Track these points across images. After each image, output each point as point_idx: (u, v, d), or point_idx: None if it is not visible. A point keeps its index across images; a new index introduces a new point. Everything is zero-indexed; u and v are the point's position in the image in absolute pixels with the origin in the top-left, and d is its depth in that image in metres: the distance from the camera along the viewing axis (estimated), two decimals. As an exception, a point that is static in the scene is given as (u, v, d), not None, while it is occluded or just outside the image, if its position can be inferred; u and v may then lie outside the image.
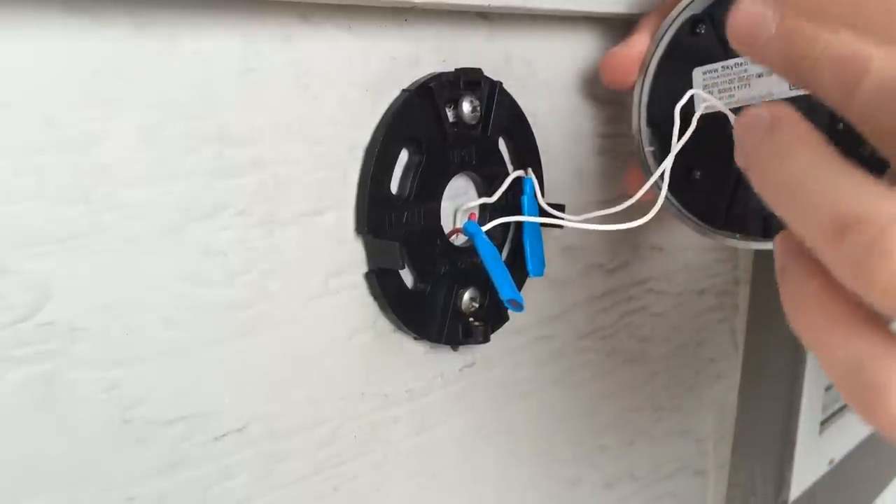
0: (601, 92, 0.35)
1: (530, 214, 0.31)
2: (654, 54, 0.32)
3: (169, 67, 0.22)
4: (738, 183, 0.30)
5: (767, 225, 0.29)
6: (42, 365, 0.20)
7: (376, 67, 0.27)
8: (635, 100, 0.33)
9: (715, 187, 0.31)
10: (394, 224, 0.27)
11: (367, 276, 0.28)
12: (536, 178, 0.32)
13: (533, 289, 0.34)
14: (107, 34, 0.20)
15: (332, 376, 0.27)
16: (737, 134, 0.24)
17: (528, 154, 0.32)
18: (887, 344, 0.20)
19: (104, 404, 0.22)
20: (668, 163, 0.29)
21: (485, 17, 0.30)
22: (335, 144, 0.26)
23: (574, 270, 0.37)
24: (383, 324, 0.29)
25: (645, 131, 0.33)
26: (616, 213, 0.30)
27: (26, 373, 0.20)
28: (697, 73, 0.31)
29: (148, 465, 0.23)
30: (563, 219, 0.31)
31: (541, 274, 0.32)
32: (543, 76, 0.33)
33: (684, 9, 0.31)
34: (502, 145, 0.31)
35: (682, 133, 0.29)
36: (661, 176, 0.33)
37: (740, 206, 0.30)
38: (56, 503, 0.21)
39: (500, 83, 0.30)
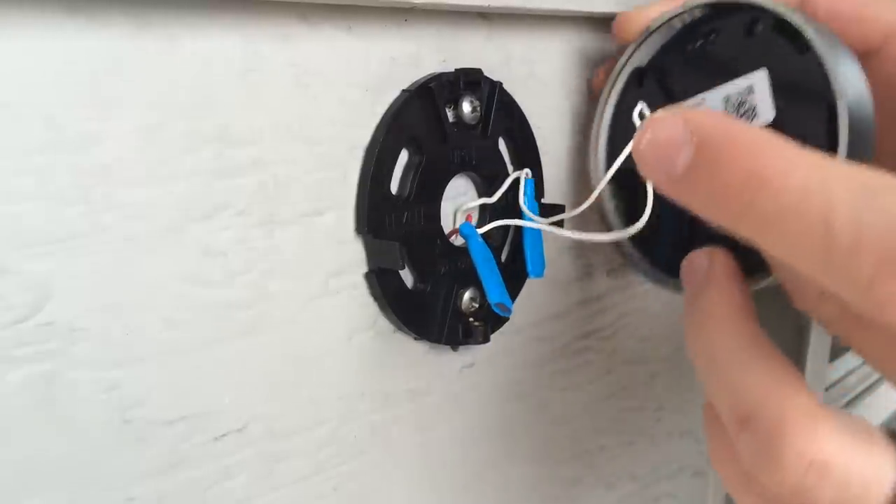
0: (601, 92, 0.35)
1: (531, 215, 0.31)
2: (603, 115, 0.32)
3: (169, 67, 0.22)
4: (693, 231, 0.29)
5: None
6: (42, 365, 0.20)
7: (376, 67, 0.27)
8: (591, 158, 0.33)
9: (676, 238, 0.30)
10: (394, 224, 0.27)
11: (367, 276, 0.28)
12: (536, 178, 0.32)
13: (533, 289, 0.34)
14: (107, 34, 0.20)
15: (332, 376, 0.27)
16: (682, 275, 0.24)
17: (528, 154, 0.32)
18: None
19: (104, 404, 0.22)
20: (614, 168, 0.29)
21: (485, 17, 0.30)
22: (335, 144, 0.26)
23: (574, 270, 0.37)
24: (383, 324, 0.29)
25: (606, 188, 0.32)
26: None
27: (26, 373, 0.20)
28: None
29: (148, 465, 0.23)
30: (559, 224, 0.31)
31: (541, 275, 0.32)
32: (543, 76, 0.33)
33: (626, 63, 0.31)
34: (502, 145, 0.31)
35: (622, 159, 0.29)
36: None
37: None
38: (56, 503, 0.21)
39: (500, 83, 0.30)
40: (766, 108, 0.27)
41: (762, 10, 0.27)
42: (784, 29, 0.26)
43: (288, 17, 0.24)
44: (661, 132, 0.19)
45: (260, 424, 0.26)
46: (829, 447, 0.19)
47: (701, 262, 0.23)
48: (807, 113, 0.25)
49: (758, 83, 0.27)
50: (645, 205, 0.28)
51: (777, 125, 0.26)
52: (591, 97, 0.33)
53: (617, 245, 0.33)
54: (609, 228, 0.33)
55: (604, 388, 0.40)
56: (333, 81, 0.25)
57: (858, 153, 0.24)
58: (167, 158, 0.22)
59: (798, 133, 0.25)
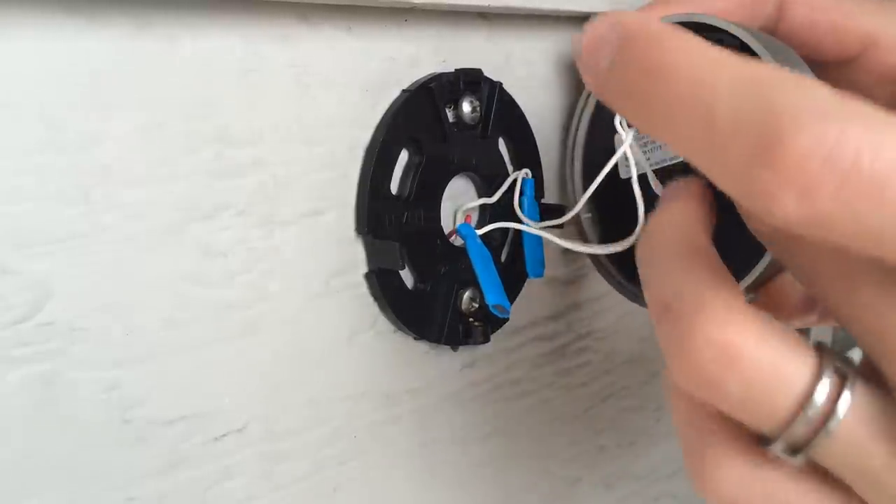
0: (601, 92, 0.35)
1: (530, 216, 0.31)
2: (578, 127, 0.32)
3: (169, 67, 0.22)
4: None
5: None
6: (42, 365, 0.20)
7: (376, 67, 0.27)
8: (568, 172, 0.33)
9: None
10: (394, 224, 0.27)
11: (367, 276, 0.28)
12: (536, 178, 0.32)
13: (533, 289, 0.34)
14: (107, 35, 0.20)
15: (332, 376, 0.27)
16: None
17: (528, 154, 0.32)
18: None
19: (104, 404, 0.22)
20: (596, 182, 0.29)
21: (485, 17, 0.30)
22: (335, 144, 0.26)
23: (574, 270, 0.37)
24: (383, 324, 0.29)
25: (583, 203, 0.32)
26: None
27: (26, 373, 0.20)
28: (617, 142, 0.31)
29: (148, 465, 0.23)
30: (555, 227, 0.31)
31: (540, 275, 0.32)
32: (543, 76, 0.33)
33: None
34: (502, 145, 0.31)
35: (601, 173, 0.28)
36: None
37: None
38: (56, 503, 0.21)
39: (500, 83, 0.30)
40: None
41: (724, 32, 0.27)
42: (747, 48, 0.26)
43: (288, 17, 0.24)
44: (591, 32, 0.19)
45: (260, 424, 0.26)
46: (741, 338, 0.18)
47: (675, 184, 0.23)
48: None
49: None
50: (620, 218, 0.29)
51: None
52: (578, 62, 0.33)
53: (593, 258, 0.33)
54: (585, 239, 0.33)
55: (604, 388, 0.40)
56: (333, 81, 0.25)
57: None
58: (167, 158, 0.22)
59: None
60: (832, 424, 0.18)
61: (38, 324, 0.20)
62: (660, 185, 0.28)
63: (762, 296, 0.28)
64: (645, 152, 0.30)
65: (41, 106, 0.20)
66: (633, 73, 0.18)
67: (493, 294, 0.29)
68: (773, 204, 0.15)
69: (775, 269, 0.25)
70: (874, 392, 0.18)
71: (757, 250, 0.25)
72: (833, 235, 0.16)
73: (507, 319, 0.32)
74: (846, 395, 0.18)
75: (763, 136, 0.16)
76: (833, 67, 0.29)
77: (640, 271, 0.21)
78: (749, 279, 0.26)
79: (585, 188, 0.32)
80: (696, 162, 0.18)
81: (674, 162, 0.29)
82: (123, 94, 0.21)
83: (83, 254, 0.21)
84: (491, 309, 0.29)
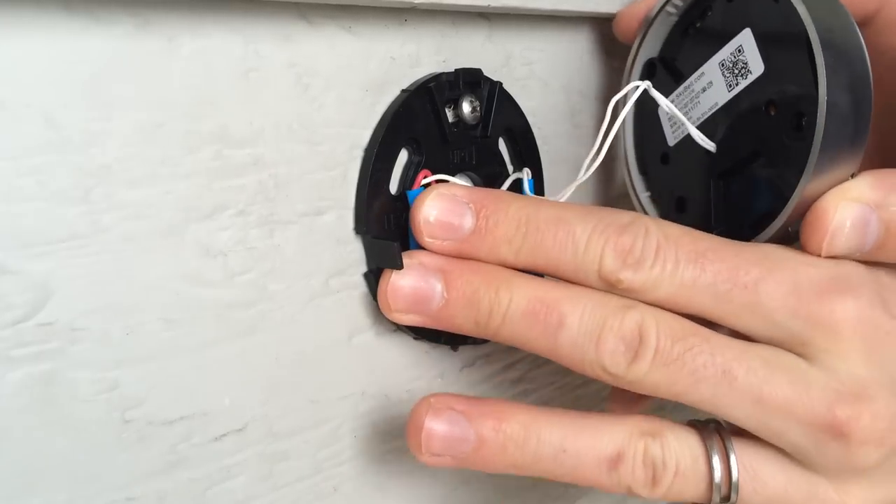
0: (601, 92, 0.35)
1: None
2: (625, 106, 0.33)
3: (169, 67, 0.22)
4: (722, 200, 0.30)
5: (754, 226, 0.29)
6: (42, 365, 0.20)
7: (376, 67, 0.27)
8: (622, 154, 0.34)
9: (701, 210, 0.31)
10: (394, 224, 0.27)
11: (367, 276, 0.28)
12: (536, 178, 0.32)
13: (533, 289, 0.34)
14: (107, 34, 0.20)
15: (332, 376, 0.27)
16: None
17: (528, 154, 0.32)
18: None
19: (104, 404, 0.22)
20: (602, 149, 0.29)
21: (485, 17, 0.30)
22: (335, 144, 0.26)
23: (574, 270, 0.37)
24: (383, 324, 0.29)
25: (637, 179, 0.34)
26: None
27: (26, 373, 0.20)
28: (662, 111, 0.32)
29: (148, 465, 0.23)
30: None
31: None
32: (543, 76, 0.33)
33: (636, 57, 0.32)
34: (502, 145, 0.31)
35: (611, 125, 0.29)
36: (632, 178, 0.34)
37: (722, 220, 0.30)
38: (56, 503, 0.21)
39: (500, 83, 0.30)
40: (756, 64, 0.27)
41: None
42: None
43: (288, 16, 0.24)
44: (445, 208, 0.25)
45: (260, 424, 0.26)
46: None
47: (467, 436, 0.26)
48: (789, 57, 0.26)
49: (745, 42, 0.28)
50: (683, 193, 0.31)
51: (767, 76, 0.27)
52: (622, 39, 0.34)
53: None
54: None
55: (603, 388, 0.40)
56: (333, 81, 0.25)
57: (843, 83, 0.24)
58: (167, 158, 0.22)
59: (786, 79, 0.26)
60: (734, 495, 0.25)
61: (38, 324, 0.20)
62: (707, 141, 0.29)
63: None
64: (687, 112, 0.30)
65: (41, 106, 0.19)
66: (504, 229, 0.25)
67: None
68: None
69: (791, 223, 0.26)
70: (746, 443, 0.25)
71: (769, 210, 0.26)
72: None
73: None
74: (733, 459, 0.25)
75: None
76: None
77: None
78: (764, 237, 0.27)
79: (637, 153, 0.33)
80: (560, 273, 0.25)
81: (714, 111, 0.29)
82: (123, 93, 0.21)
83: (83, 254, 0.21)
84: None
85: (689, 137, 0.30)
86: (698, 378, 0.24)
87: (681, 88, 0.31)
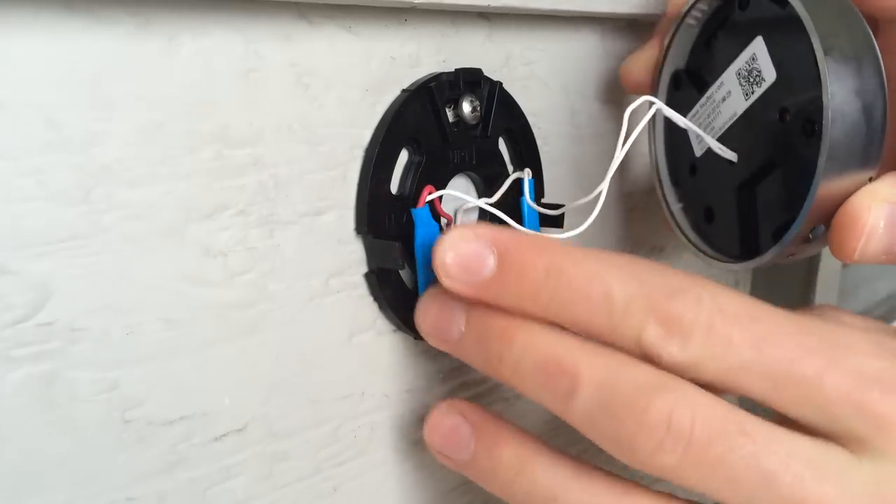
0: (601, 92, 0.35)
1: (529, 216, 0.31)
2: (655, 124, 0.33)
3: (169, 67, 0.22)
4: (745, 209, 0.30)
5: (777, 234, 0.29)
6: (42, 365, 0.20)
7: (376, 67, 0.27)
8: (653, 163, 0.34)
9: (727, 220, 0.31)
10: (394, 224, 0.27)
11: (367, 276, 0.28)
12: (536, 178, 0.32)
13: (533, 289, 0.34)
14: (107, 34, 0.20)
15: (332, 376, 0.27)
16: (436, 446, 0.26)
17: (528, 154, 0.32)
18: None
19: (104, 404, 0.22)
20: (614, 165, 0.29)
21: (485, 17, 0.30)
22: (335, 144, 0.26)
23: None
24: (383, 324, 0.29)
25: (669, 190, 0.34)
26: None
27: (26, 373, 0.20)
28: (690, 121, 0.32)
29: (148, 465, 0.23)
30: (559, 223, 0.31)
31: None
32: (543, 76, 0.33)
33: (662, 69, 0.32)
34: (502, 145, 0.31)
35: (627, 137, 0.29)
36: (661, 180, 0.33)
37: (751, 231, 0.30)
38: (56, 503, 0.21)
39: (500, 83, 0.30)
40: (769, 71, 0.27)
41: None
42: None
43: (288, 16, 0.24)
44: (464, 249, 0.23)
45: (260, 425, 0.26)
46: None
47: (461, 428, 0.26)
48: (798, 63, 0.26)
49: (758, 50, 0.28)
50: (710, 203, 0.31)
51: (779, 83, 0.27)
52: (629, 91, 0.34)
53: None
54: (680, 228, 0.34)
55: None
56: (334, 81, 0.25)
57: (851, 86, 0.24)
58: (167, 158, 0.22)
59: (796, 85, 0.26)
60: None
61: (38, 324, 0.20)
62: (727, 151, 0.30)
63: None
64: (710, 122, 0.31)
65: (41, 106, 0.19)
66: (529, 278, 0.22)
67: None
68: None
69: (817, 220, 0.26)
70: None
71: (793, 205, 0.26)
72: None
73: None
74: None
75: (655, 303, 0.22)
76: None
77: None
78: (782, 245, 0.27)
79: (669, 164, 0.33)
80: (596, 332, 0.22)
81: (733, 120, 0.30)
82: (124, 93, 0.21)
83: (83, 254, 0.21)
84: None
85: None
86: (737, 480, 0.21)
87: (703, 99, 0.31)
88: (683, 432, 0.21)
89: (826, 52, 0.24)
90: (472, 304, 0.24)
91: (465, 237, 0.23)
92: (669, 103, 0.32)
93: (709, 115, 0.31)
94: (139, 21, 0.21)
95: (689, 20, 0.31)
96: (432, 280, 0.25)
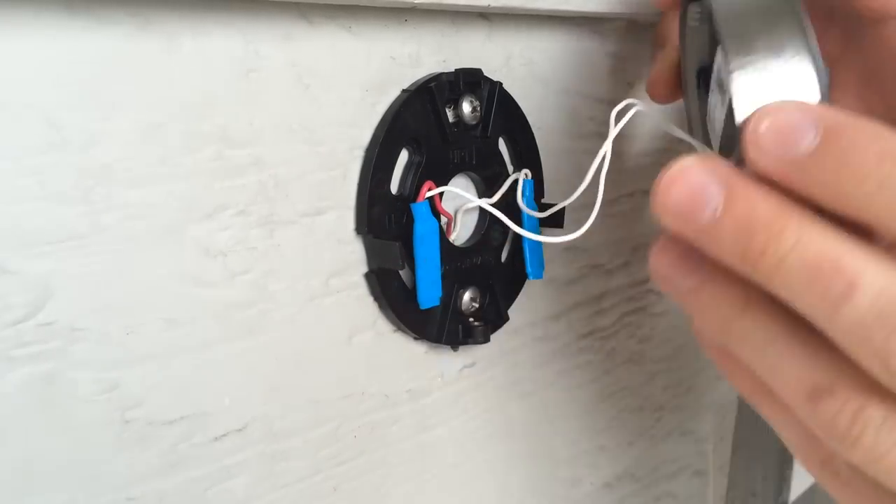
0: (601, 92, 0.35)
1: (529, 216, 0.31)
2: (690, 114, 0.33)
3: (169, 67, 0.22)
4: None
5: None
6: (42, 365, 0.20)
7: (376, 67, 0.27)
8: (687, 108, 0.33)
9: None
10: (394, 224, 0.27)
11: (367, 276, 0.28)
12: (536, 178, 0.32)
13: (533, 289, 0.34)
14: (108, 34, 0.20)
15: (332, 376, 0.27)
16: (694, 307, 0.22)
17: (528, 154, 0.32)
18: (852, 368, 0.19)
19: (104, 404, 0.22)
20: (604, 161, 0.29)
21: (485, 17, 0.30)
22: (335, 144, 0.26)
23: (574, 270, 0.37)
24: (383, 324, 0.29)
25: (693, 101, 0.33)
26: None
27: (26, 373, 0.20)
28: (711, 112, 0.32)
29: (148, 465, 0.23)
30: (559, 223, 0.31)
31: (540, 276, 0.32)
32: (543, 76, 0.33)
33: (687, 69, 0.32)
34: (502, 145, 0.31)
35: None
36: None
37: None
38: (56, 503, 0.21)
39: (500, 83, 0.30)
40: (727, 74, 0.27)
41: None
42: None
43: (288, 16, 0.24)
44: (783, 118, 0.19)
45: (260, 425, 0.26)
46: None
47: (730, 293, 0.21)
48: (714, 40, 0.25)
49: (718, 55, 0.28)
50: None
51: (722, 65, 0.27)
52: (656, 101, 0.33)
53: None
54: (693, 134, 0.32)
55: (604, 388, 0.40)
56: (334, 81, 0.25)
57: (754, 53, 0.23)
58: (167, 158, 0.22)
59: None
60: None
61: (38, 324, 0.20)
62: (704, 147, 0.28)
63: None
64: (724, 118, 0.30)
65: (41, 106, 0.19)
66: (856, 162, 0.19)
67: (427, 293, 0.28)
68: None
69: None
70: None
71: None
72: None
73: (507, 319, 0.32)
74: None
75: None
76: (872, 23, 0.27)
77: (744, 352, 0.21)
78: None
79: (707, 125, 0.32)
80: None
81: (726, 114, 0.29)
82: (123, 93, 0.21)
83: (83, 254, 0.21)
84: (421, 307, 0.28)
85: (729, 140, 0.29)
86: None
87: (711, 96, 0.31)
88: None
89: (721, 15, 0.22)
90: (733, 182, 0.20)
91: (786, 106, 0.20)
92: (703, 104, 0.32)
93: (723, 111, 0.31)
94: (139, 21, 0.21)
95: (691, 22, 0.31)
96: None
